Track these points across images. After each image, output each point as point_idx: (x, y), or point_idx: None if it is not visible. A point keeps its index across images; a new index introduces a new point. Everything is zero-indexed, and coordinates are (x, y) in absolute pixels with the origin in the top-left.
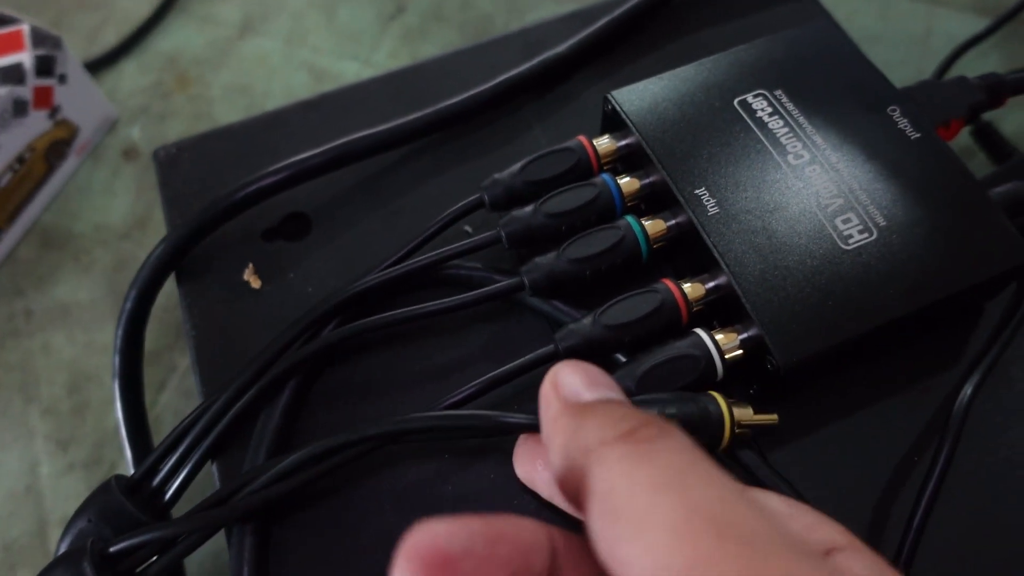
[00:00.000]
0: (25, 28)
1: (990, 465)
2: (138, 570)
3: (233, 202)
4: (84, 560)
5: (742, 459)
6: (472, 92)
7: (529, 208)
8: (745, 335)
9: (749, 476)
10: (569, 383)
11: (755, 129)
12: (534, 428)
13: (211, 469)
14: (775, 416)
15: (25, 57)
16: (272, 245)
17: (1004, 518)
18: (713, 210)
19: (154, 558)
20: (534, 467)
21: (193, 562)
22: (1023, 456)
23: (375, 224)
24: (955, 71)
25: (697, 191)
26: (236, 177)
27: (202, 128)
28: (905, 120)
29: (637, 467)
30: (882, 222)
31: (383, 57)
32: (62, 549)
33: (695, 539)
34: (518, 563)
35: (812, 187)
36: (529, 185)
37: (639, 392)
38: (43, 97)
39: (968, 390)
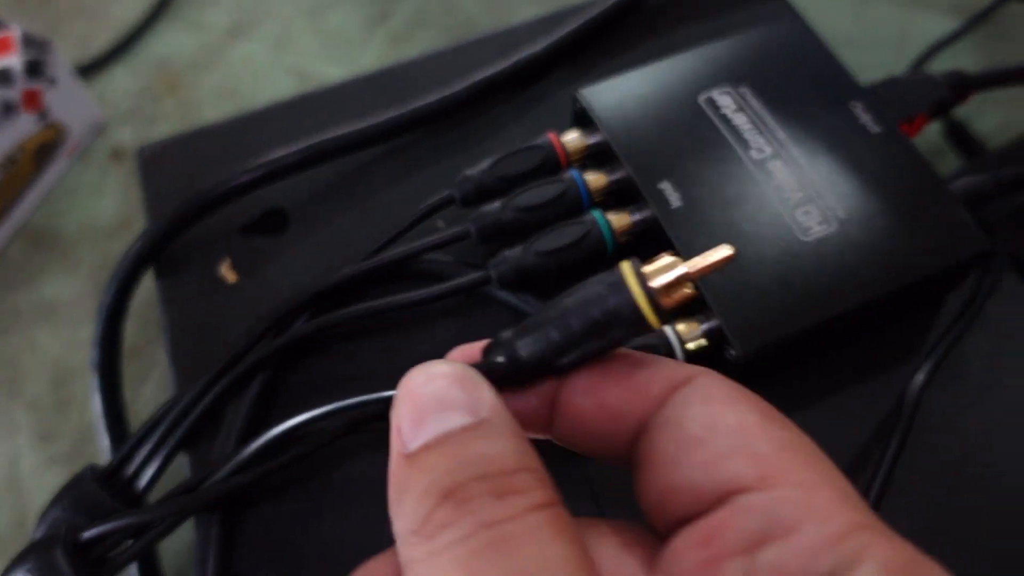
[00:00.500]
0: (15, 33)
1: (944, 456)
2: (110, 555)
3: (210, 198)
4: (56, 547)
5: None
6: (447, 92)
7: (498, 204)
8: (706, 325)
9: None
10: (402, 415)
11: (719, 125)
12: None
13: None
14: (727, 249)
15: (14, 60)
16: (250, 240)
17: (956, 508)
18: (676, 204)
19: (127, 544)
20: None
21: (169, 551)
22: (976, 447)
23: (352, 220)
24: (929, 71)
25: (660, 186)
26: (218, 176)
27: None
28: (867, 115)
29: (430, 569)
30: (842, 214)
31: (369, 61)
32: (37, 537)
33: None
34: None
35: (774, 181)
36: (499, 181)
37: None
38: (32, 100)
39: (920, 378)
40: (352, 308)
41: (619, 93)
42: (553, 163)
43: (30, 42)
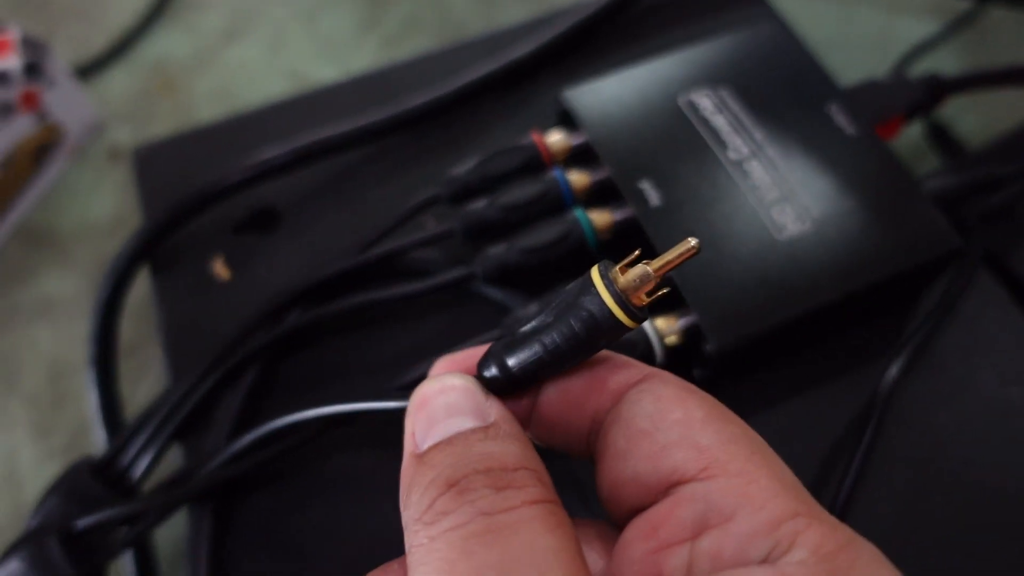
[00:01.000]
0: (13, 35)
1: (917, 449)
2: (103, 543)
3: (203, 197)
4: (50, 536)
5: None
6: (434, 93)
7: (483, 202)
8: (683, 321)
9: None
10: (416, 421)
11: (698, 126)
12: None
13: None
14: (691, 243)
15: (13, 62)
16: (242, 239)
17: (928, 501)
18: (655, 203)
19: (121, 532)
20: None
21: (166, 540)
22: (949, 441)
23: (342, 218)
24: (911, 73)
25: (640, 185)
26: (212, 175)
27: None
28: (843, 117)
29: (428, 553)
30: (816, 213)
31: (362, 64)
32: (32, 526)
33: None
34: None
35: (750, 180)
36: (484, 180)
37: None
38: (30, 100)
39: (893, 372)
40: (342, 303)
41: (602, 95)
42: (537, 163)
43: (28, 44)
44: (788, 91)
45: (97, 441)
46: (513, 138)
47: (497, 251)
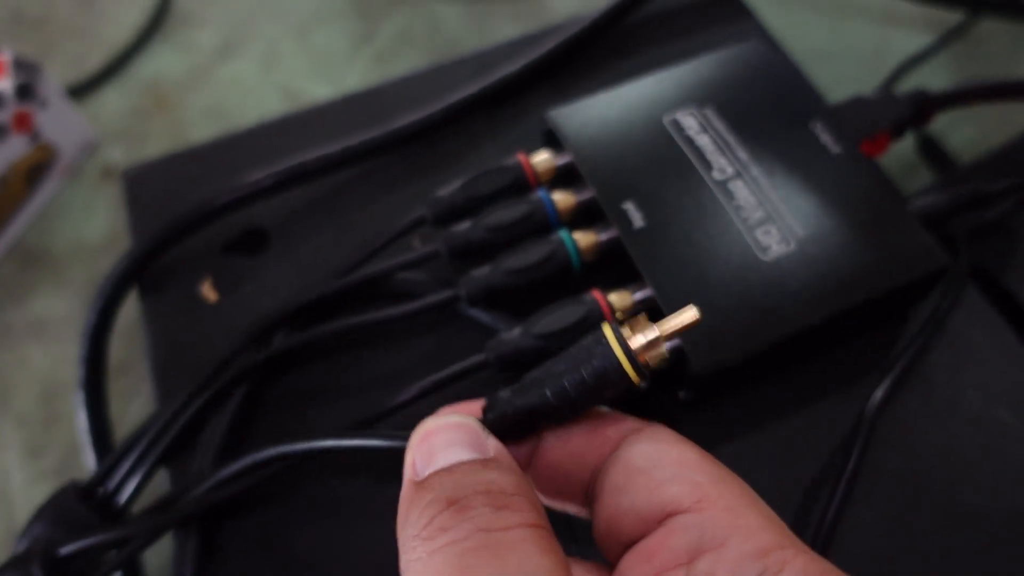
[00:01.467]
0: (5, 56)
1: (905, 469)
2: (87, 569)
3: (192, 218)
4: (34, 562)
5: None
6: (422, 113)
7: (468, 223)
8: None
9: None
10: (417, 452)
11: (683, 146)
12: (395, 451)
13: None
14: (693, 312)
15: (5, 84)
16: (230, 260)
17: (916, 521)
18: (639, 224)
19: (107, 557)
20: None
21: (153, 565)
22: (938, 460)
23: (329, 239)
24: (905, 87)
25: (624, 206)
26: (202, 196)
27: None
28: (827, 135)
29: (426, 567)
30: (800, 233)
31: (355, 79)
32: (17, 552)
33: None
34: None
35: (734, 201)
36: (469, 201)
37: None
38: (23, 122)
39: (879, 394)
40: (329, 325)
41: (587, 114)
42: (522, 183)
43: (21, 66)
44: (773, 109)
45: (88, 463)
46: (500, 158)
47: (482, 273)
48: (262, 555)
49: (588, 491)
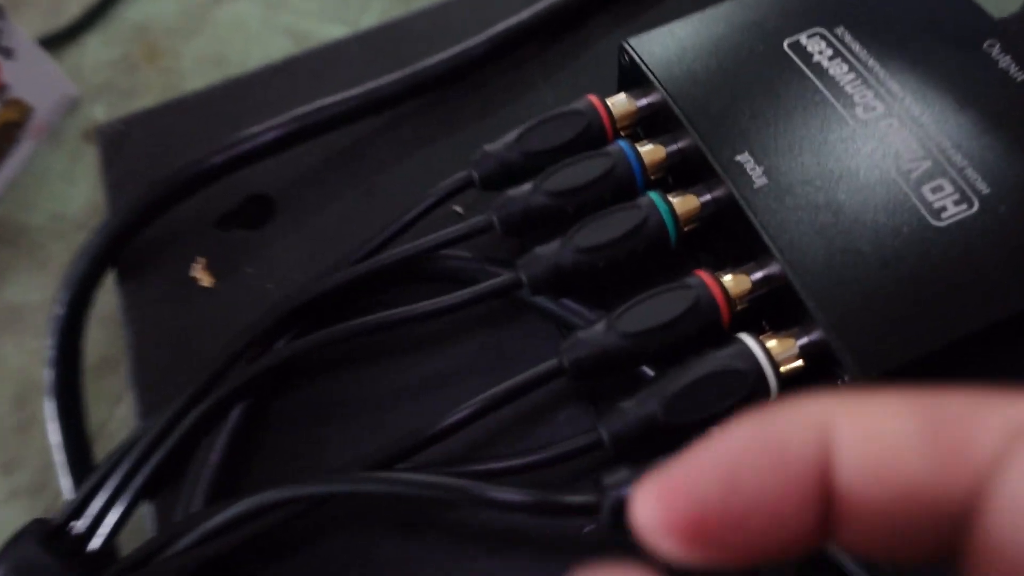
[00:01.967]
0: None
1: None
2: None
3: (178, 184)
4: None
5: None
6: (463, 47)
7: (528, 186)
8: (805, 341)
9: None
10: None
11: (812, 77)
12: (529, 508)
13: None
14: None
15: None
16: (228, 234)
17: None
18: (760, 181)
19: None
20: None
21: None
22: None
23: (350, 208)
24: None
25: (739, 157)
26: (192, 155)
27: None
28: (1007, 57)
29: None
30: (984, 189)
31: (373, 18)
32: None
33: None
34: None
35: (889, 147)
36: (528, 157)
37: (668, 419)
38: None
39: None
40: (352, 323)
41: (679, 42)
42: (596, 133)
43: None
44: (927, 26)
45: (63, 484)
46: (558, 102)
47: (548, 250)
48: None
49: (947, 541)
